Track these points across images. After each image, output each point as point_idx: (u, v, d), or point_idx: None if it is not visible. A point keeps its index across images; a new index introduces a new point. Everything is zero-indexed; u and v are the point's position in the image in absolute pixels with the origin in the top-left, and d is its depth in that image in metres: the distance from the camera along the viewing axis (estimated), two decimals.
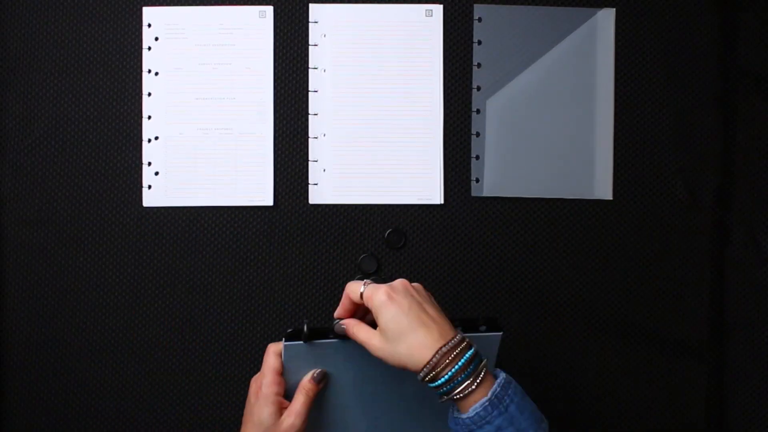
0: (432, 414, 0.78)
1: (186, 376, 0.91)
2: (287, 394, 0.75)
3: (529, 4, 0.92)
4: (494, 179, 0.92)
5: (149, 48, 0.92)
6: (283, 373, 0.75)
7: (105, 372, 0.91)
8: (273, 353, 0.76)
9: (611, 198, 0.92)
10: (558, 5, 0.92)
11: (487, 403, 0.67)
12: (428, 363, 0.68)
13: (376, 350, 0.71)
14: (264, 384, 0.75)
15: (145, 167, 0.92)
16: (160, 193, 0.92)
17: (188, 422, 0.90)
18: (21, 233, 0.91)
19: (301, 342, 0.74)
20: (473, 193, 0.92)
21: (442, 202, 0.92)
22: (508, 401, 0.68)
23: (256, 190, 0.92)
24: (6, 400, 0.91)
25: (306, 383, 0.75)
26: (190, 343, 0.91)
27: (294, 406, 0.74)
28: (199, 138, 0.92)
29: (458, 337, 0.69)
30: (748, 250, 0.91)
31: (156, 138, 0.92)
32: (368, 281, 0.73)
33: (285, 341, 0.74)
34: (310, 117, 0.92)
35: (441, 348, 0.68)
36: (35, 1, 0.91)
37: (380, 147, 0.92)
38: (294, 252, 0.92)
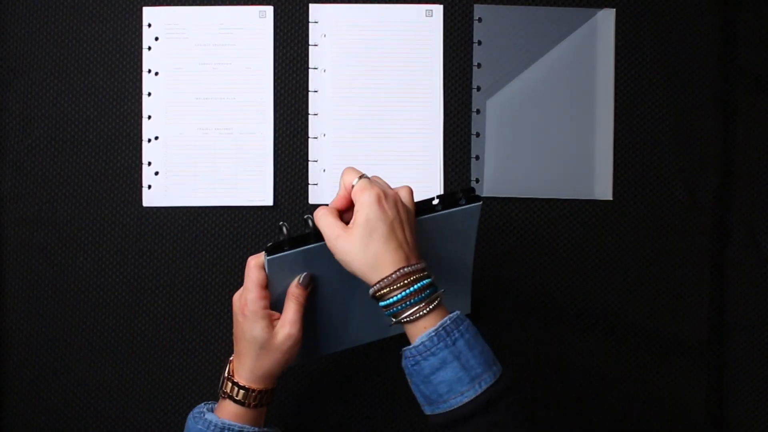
0: None
1: (186, 376, 0.91)
2: (273, 306, 0.74)
3: (529, 5, 0.92)
4: (494, 179, 0.92)
5: (149, 48, 0.92)
6: (267, 285, 0.73)
7: (105, 372, 0.91)
8: (255, 267, 0.72)
9: (611, 198, 0.92)
10: (558, 5, 0.92)
11: (433, 334, 0.65)
12: (385, 278, 0.66)
13: (337, 246, 0.67)
14: (250, 300, 0.72)
15: (145, 167, 0.92)
16: (160, 193, 0.92)
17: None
18: (21, 233, 0.91)
19: (284, 253, 0.72)
20: None
21: None
22: (457, 335, 0.66)
23: (256, 190, 0.92)
24: (6, 400, 0.91)
25: (294, 290, 0.73)
26: (190, 343, 0.91)
27: (287, 315, 0.72)
28: (199, 138, 0.92)
29: (421, 264, 0.67)
30: (748, 250, 0.91)
31: (156, 138, 0.92)
32: (366, 175, 0.69)
33: (267, 255, 0.71)
34: (310, 117, 0.92)
35: (402, 268, 0.66)
36: (35, 1, 0.91)
37: (380, 147, 0.92)
38: None
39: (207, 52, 0.92)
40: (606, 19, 0.92)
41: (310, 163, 0.92)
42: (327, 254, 0.71)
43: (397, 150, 0.92)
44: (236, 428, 0.73)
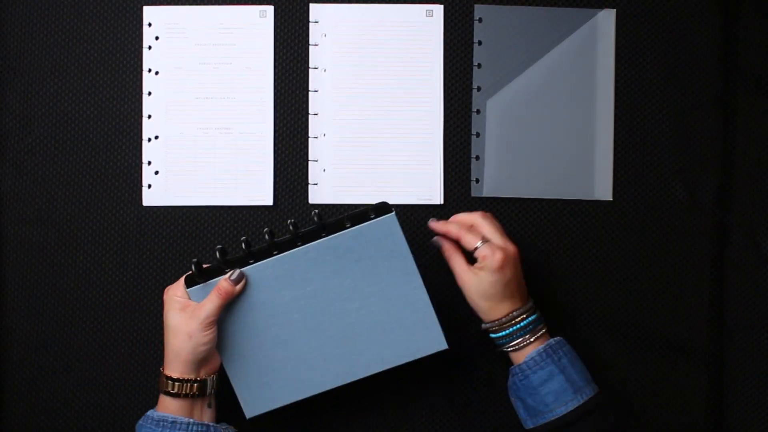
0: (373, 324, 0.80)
1: None
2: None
3: (529, 5, 0.92)
4: (494, 180, 0.92)
5: (149, 47, 0.92)
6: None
7: (105, 371, 0.91)
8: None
9: (611, 199, 0.92)
10: (559, 6, 0.92)
11: (542, 350, 0.77)
12: (497, 320, 0.78)
13: (464, 285, 0.80)
14: (170, 290, 0.79)
15: (145, 166, 0.92)
16: (160, 193, 0.92)
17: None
18: (21, 232, 0.91)
19: (198, 286, 0.77)
20: (473, 194, 0.92)
21: (442, 202, 0.92)
22: (561, 354, 0.78)
23: (256, 189, 0.92)
24: (6, 399, 0.91)
25: (223, 283, 0.77)
26: None
27: (203, 303, 0.77)
28: (199, 137, 0.92)
29: (529, 304, 0.80)
30: (747, 251, 0.91)
31: (156, 137, 0.92)
32: (485, 238, 0.79)
33: (186, 288, 0.78)
34: (310, 117, 0.92)
35: (512, 312, 0.78)
36: (35, 1, 0.91)
37: (380, 147, 0.92)
38: None
39: (207, 52, 0.92)
40: (606, 20, 0.92)
41: (310, 162, 0.92)
42: (296, 271, 0.77)
43: (398, 150, 0.92)
44: (169, 419, 0.76)
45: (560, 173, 0.92)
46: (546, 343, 0.78)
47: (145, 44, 0.92)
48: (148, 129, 0.92)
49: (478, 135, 0.92)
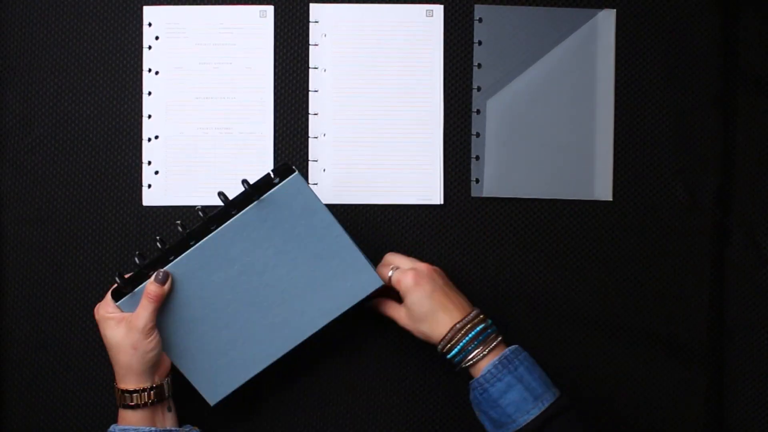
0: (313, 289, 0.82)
1: (185, 376, 0.91)
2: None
3: (529, 5, 0.92)
4: (494, 180, 0.92)
5: (149, 47, 0.92)
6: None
7: (105, 371, 0.90)
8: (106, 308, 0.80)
9: (611, 199, 0.92)
10: (559, 6, 0.92)
11: (497, 362, 0.76)
12: (443, 338, 0.78)
13: (403, 324, 0.81)
14: (100, 306, 0.80)
15: (144, 166, 0.92)
16: (160, 193, 0.92)
17: (188, 421, 0.90)
18: (21, 232, 0.91)
19: (127, 297, 0.79)
20: (473, 194, 0.92)
21: (442, 202, 0.92)
22: (517, 363, 0.77)
23: None
24: (6, 399, 0.90)
25: (150, 287, 0.78)
26: None
27: (137, 311, 0.78)
28: (199, 137, 0.92)
29: (473, 313, 0.79)
30: (747, 251, 0.91)
31: (156, 137, 0.92)
32: (395, 266, 0.82)
33: (115, 302, 0.79)
34: (310, 117, 0.92)
35: (455, 325, 0.78)
36: (35, 1, 0.91)
37: (380, 147, 0.92)
38: None
39: (207, 52, 0.92)
40: (606, 20, 0.92)
41: (310, 162, 0.92)
42: (208, 259, 0.79)
43: (398, 150, 0.92)
44: (131, 430, 0.77)
45: (560, 173, 0.92)
46: (501, 354, 0.77)
47: (145, 44, 0.92)
48: (148, 129, 0.92)
49: (478, 135, 0.92)
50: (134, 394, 0.77)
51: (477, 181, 0.92)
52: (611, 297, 0.92)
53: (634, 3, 0.92)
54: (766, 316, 0.91)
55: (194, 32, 0.92)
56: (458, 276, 0.90)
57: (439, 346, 0.79)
